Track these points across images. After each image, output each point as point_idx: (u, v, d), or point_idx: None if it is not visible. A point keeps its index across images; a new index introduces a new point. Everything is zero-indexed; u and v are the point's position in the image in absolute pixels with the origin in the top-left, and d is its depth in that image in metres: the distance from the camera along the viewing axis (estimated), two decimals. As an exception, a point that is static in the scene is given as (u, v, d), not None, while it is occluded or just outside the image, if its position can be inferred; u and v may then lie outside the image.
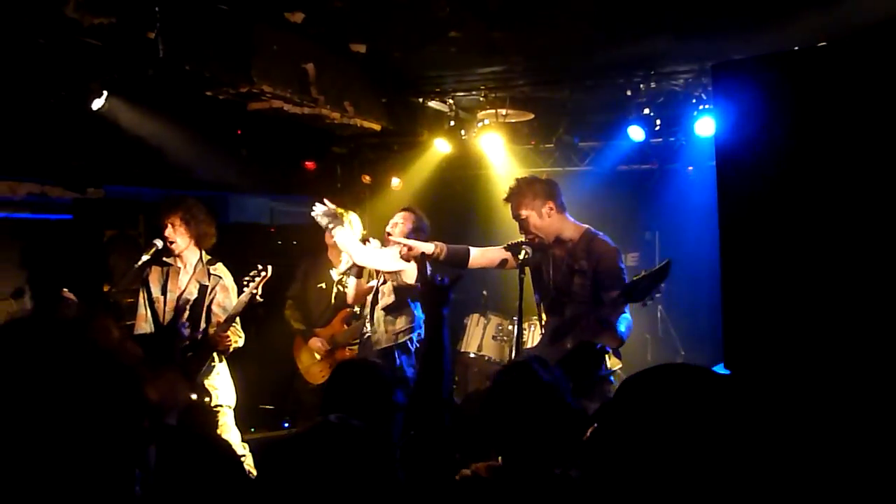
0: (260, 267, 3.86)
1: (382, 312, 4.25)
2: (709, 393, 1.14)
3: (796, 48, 1.83)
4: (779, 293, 1.71)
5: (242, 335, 4.01)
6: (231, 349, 3.95)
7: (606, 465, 1.13)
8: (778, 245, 1.72)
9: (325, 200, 4.07)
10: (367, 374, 2.40)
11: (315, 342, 4.85)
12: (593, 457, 1.15)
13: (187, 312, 3.94)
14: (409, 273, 4.11)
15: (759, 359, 1.76)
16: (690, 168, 6.06)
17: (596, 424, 1.21)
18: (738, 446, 1.09)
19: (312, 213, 4.06)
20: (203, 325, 3.95)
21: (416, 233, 4.12)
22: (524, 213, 3.53)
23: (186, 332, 3.84)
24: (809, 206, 1.67)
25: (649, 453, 1.09)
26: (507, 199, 3.61)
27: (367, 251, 4.11)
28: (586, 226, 3.61)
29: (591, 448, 1.17)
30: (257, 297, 3.87)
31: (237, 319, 3.96)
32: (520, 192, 3.56)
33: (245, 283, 3.87)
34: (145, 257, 3.89)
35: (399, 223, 4.18)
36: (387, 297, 4.25)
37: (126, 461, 1.01)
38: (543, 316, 3.82)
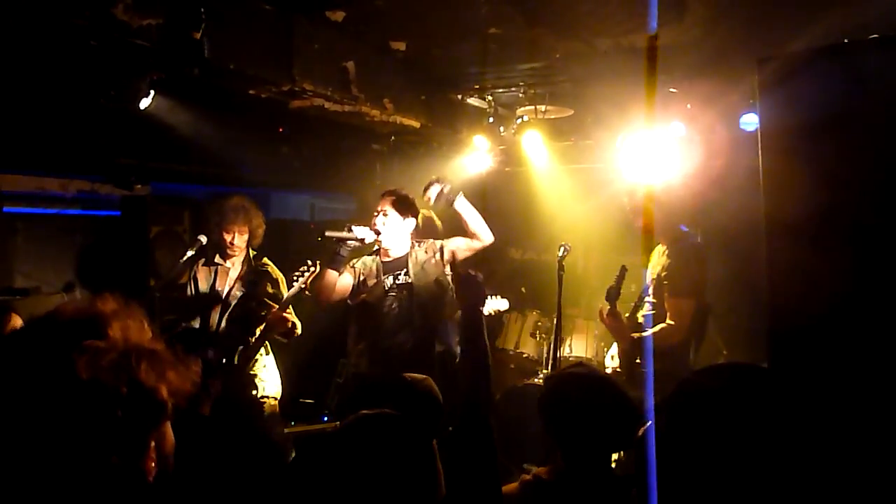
0: (309, 262, 3.92)
1: None
2: (767, 392, 1.13)
3: (845, 41, 1.79)
4: (824, 293, 1.68)
5: (299, 323, 4.09)
6: (294, 333, 4.03)
7: (668, 465, 1.12)
8: (825, 242, 1.68)
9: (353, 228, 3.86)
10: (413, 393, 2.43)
11: None
12: (649, 455, 1.14)
13: (236, 309, 4.03)
14: None
15: (804, 360, 1.72)
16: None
17: (649, 422, 1.20)
18: (793, 444, 1.07)
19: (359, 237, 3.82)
20: (252, 319, 4.05)
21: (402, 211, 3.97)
22: None
23: (233, 328, 3.94)
24: (857, 201, 1.63)
25: (711, 452, 1.08)
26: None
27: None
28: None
29: (644, 446, 1.15)
30: (305, 292, 3.93)
31: (291, 308, 4.03)
32: None
33: (294, 277, 3.94)
34: (190, 253, 3.99)
35: (388, 212, 3.96)
36: None
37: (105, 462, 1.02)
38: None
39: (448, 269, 4.01)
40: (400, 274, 3.94)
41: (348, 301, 3.98)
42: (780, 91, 1.80)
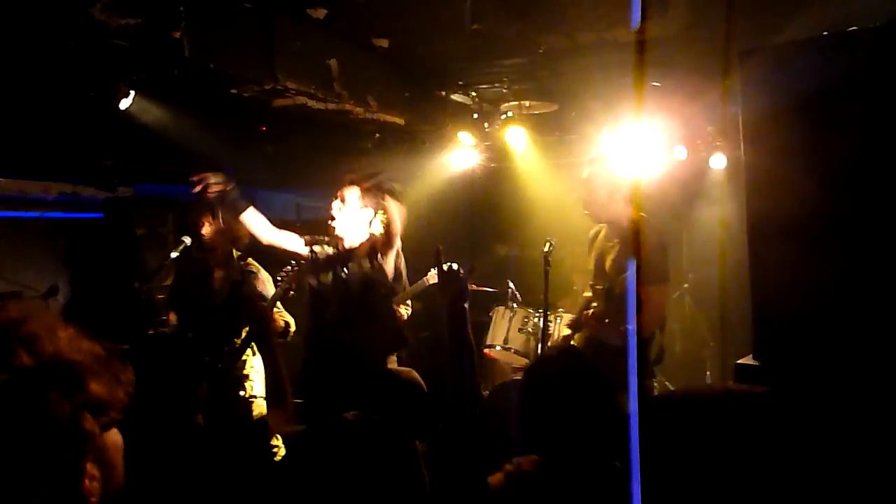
0: (293, 262, 3.90)
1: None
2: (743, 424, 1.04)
3: (825, 33, 1.79)
4: (808, 284, 1.69)
5: (292, 319, 4.08)
6: (289, 332, 4.03)
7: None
8: (807, 235, 1.69)
9: (211, 175, 3.67)
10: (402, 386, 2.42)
11: None
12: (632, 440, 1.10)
13: (222, 309, 4.02)
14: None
15: (789, 351, 1.73)
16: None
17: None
18: (783, 438, 1.05)
19: (205, 190, 3.62)
20: (238, 320, 4.03)
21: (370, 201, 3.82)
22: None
23: (218, 330, 3.91)
24: (841, 193, 1.64)
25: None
26: None
27: (275, 232, 3.90)
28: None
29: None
30: (291, 293, 3.91)
31: (280, 306, 4.02)
32: None
33: (279, 278, 3.93)
34: (174, 254, 3.96)
35: (349, 201, 3.78)
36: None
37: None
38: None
39: (389, 265, 3.85)
40: (344, 267, 3.80)
41: (309, 282, 3.86)
42: (763, 84, 1.80)
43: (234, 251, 4.15)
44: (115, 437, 1.11)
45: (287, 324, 4.03)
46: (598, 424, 1.88)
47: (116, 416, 1.06)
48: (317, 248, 3.89)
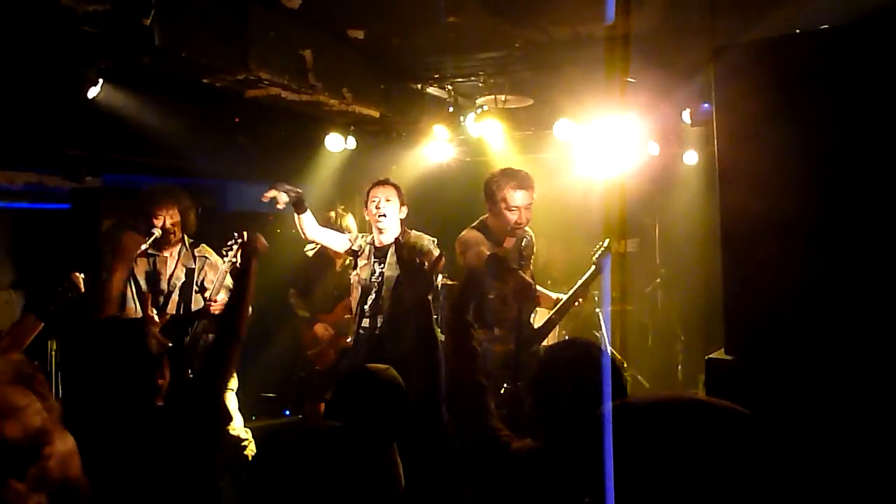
0: (236, 235, 3.82)
1: None
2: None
3: (797, 31, 1.81)
4: (779, 279, 1.71)
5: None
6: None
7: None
8: (778, 231, 1.71)
9: (283, 184, 4.00)
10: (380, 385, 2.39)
11: (320, 328, 4.88)
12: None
13: (177, 297, 3.98)
14: None
15: (760, 345, 1.75)
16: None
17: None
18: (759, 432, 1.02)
19: (270, 198, 3.93)
20: (195, 306, 4.00)
21: (403, 204, 4.13)
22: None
23: (176, 317, 3.90)
24: (812, 190, 1.66)
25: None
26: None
27: (321, 230, 4.16)
28: None
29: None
30: (236, 265, 3.88)
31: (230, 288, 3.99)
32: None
33: (223, 252, 3.89)
34: (144, 246, 3.89)
35: (392, 199, 4.07)
36: None
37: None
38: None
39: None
40: (384, 262, 4.04)
41: (350, 272, 4.18)
42: (736, 80, 1.82)
43: (185, 237, 4.10)
44: (65, 444, 1.10)
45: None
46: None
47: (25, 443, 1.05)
48: (359, 243, 4.15)
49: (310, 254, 5.10)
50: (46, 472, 1.06)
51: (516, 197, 3.80)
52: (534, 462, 1.76)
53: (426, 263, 1.97)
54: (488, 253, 3.41)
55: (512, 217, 3.80)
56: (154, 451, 1.79)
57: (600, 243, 3.88)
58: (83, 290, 3.26)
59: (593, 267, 3.75)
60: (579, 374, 1.83)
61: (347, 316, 4.83)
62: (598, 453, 0.98)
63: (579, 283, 3.77)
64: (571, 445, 1.88)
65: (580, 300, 3.81)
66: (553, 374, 1.90)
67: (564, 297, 3.80)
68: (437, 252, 3.97)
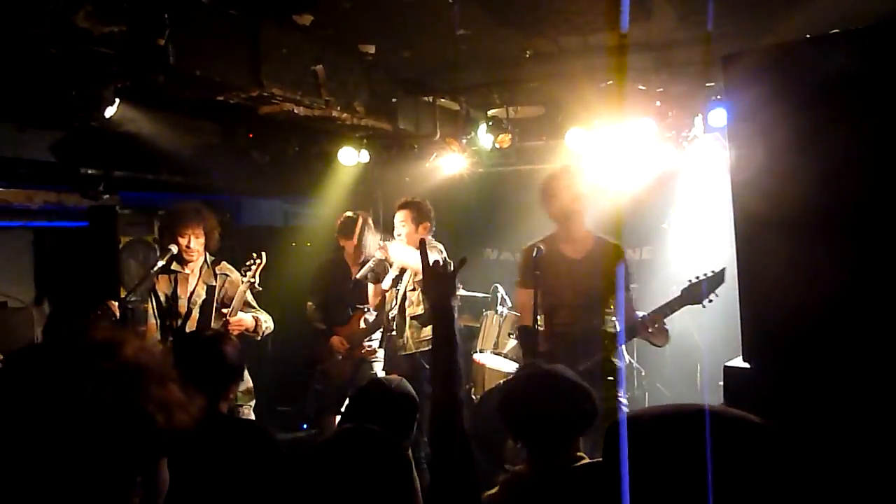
0: (255, 255, 3.90)
1: (411, 320, 4.46)
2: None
3: (808, 36, 1.80)
4: (796, 286, 1.69)
5: (266, 317, 4.10)
6: (259, 329, 4.06)
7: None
8: (794, 237, 1.70)
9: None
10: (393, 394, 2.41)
11: (336, 340, 4.90)
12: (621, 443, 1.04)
13: (198, 315, 4.00)
14: None
15: (778, 352, 1.74)
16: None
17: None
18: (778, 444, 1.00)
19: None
20: (215, 323, 4.01)
21: (420, 223, 4.45)
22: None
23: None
24: (825, 198, 1.65)
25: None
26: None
27: (412, 253, 4.34)
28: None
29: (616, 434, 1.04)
30: (256, 286, 3.93)
31: (254, 302, 4.08)
32: None
33: (242, 272, 3.93)
34: (161, 263, 3.92)
35: (404, 223, 4.45)
36: (415, 307, 4.46)
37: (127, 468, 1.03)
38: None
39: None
40: (401, 280, 4.47)
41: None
42: (748, 86, 1.81)
43: (207, 255, 4.13)
44: (165, 470, 1.15)
45: (257, 321, 4.03)
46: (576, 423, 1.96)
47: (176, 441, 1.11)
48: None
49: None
50: (157, 476, 1.13)
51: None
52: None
53: (450, 266, 1.89)
54: None
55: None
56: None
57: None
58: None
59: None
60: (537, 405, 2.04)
61: (363, 327, 4.86)
62: (611, 469, 0.98)
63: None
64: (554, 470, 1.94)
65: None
66: (510, 404, 2.14)
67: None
68: (443, 257, 4.06)
